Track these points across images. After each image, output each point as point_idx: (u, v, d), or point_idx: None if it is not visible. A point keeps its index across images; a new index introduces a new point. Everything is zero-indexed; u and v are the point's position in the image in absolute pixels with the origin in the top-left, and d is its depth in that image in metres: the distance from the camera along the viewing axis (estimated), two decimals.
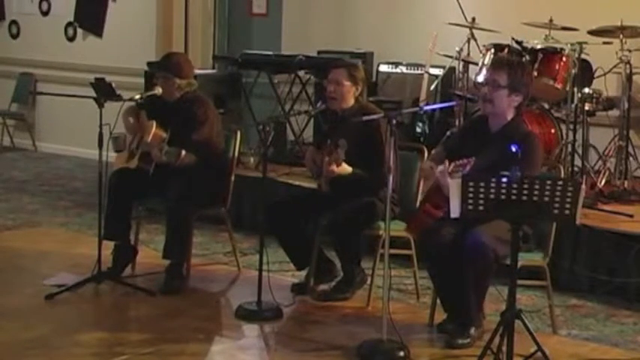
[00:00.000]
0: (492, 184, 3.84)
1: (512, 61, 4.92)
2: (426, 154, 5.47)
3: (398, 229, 5.06)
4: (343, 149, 5.03)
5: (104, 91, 5.39)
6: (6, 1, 11.06)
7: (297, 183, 6.88)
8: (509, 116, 4.71)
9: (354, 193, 5.19)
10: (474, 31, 7.25)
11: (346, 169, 5.09)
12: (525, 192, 3.82)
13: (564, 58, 6.64)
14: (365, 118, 4.91)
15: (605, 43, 6.67)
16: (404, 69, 7.99)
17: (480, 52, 7.05)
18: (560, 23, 6.78)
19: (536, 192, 3.82)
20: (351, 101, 5.37)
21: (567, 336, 4.94)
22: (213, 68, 9.10)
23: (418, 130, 7.61)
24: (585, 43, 6.58)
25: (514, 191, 3.82)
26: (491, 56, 6.80)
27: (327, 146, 5.22)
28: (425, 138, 7.49)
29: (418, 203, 4.98)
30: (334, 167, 5.05)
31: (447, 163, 4.46)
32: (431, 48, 7.36)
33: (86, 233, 6.69)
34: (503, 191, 3.83)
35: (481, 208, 3.88)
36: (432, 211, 4.60)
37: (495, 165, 4.18)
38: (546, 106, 6.93)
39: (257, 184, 6.28)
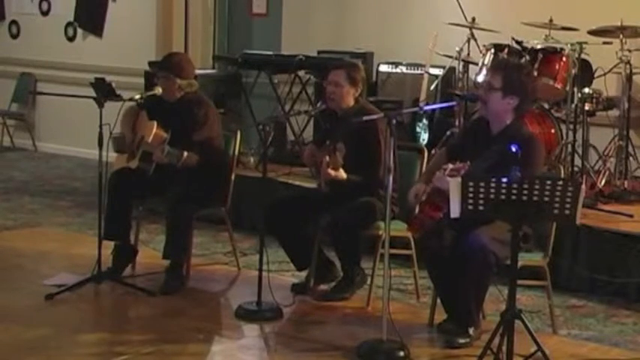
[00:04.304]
0: (492, 184, 3.83)
1: (509, 63, 4.92)
2: (425, 155, 5.48)
3: (398, 229, 5.06)
4: (341, 154, 5.06)
5: (104, 91, 5.38)
6: (6, 1, 11.06)
7: (297, 183, 6.88)
8: (508, 119, 4.68)
9: (354, 193, 5.19)
10: (474, 31, 7.25)
11: (342, 175, 5.10)
12: (525, 192, 3.82)
13: (564, 58, 6.63)
14: (365, 118, 4.91)
15: (605, 43, 6.67)
16: (404, 69, 7.99)
17: (480, 52, 7.05)
18: (560, 23, 6.78)
19: (536, 192, 3.82)
20: (351, 102, 5.38)
21: (567, 336, 4.94)
22: (213, 68, 9.10)
23: (418, 130, 7.60)
24: (585, 43, 6.58)
25: (514, 191, 3.83)
26: (491, 56, 6.80)
27: (326, 147, 5.23)
28: (425, 138, 7.50)
29: (418, 204, 4.98)
30: (331, 171, 5.07)
31: (448, 166, 4.45)
32: (431, 48, 7.36)
33: (86, 233, 6.69)
34: (503, 191, 3.83)
35: (481, 208, 3.88)
36: (432, 212, 4.60)
37: (495, 168, 4.17)
38: (546, 106, 6.92)
39: (257, 184, 6.29)
